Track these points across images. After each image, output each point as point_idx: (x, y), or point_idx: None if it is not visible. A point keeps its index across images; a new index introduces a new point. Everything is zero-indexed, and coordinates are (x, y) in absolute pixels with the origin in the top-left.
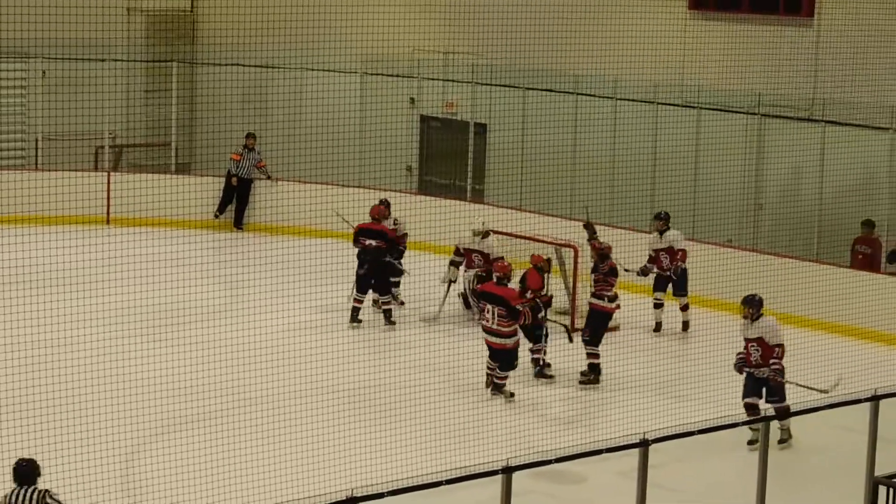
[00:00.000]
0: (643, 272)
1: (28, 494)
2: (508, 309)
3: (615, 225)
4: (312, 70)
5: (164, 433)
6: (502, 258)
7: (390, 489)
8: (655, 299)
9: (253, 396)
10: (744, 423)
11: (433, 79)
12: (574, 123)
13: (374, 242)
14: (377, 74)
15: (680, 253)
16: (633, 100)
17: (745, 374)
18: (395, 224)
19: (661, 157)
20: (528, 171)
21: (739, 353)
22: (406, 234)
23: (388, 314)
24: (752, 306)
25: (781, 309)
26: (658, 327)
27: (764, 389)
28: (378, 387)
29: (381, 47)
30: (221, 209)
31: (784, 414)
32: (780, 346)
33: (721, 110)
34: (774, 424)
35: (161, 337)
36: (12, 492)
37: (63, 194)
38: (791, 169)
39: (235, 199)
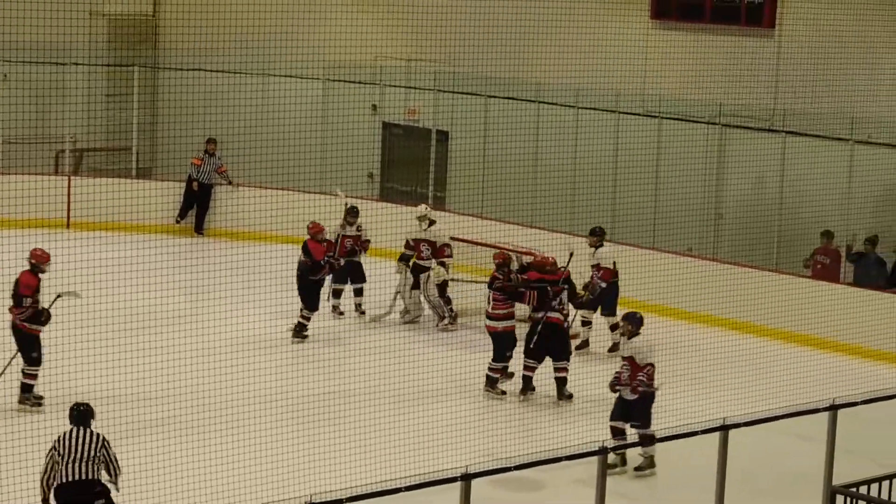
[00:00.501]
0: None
1: (85, 434)
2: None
3: (576, 233)
4: (275, 76)
5: (124, 439)
6: (449, 245)
7: (349, 496)
8: (583, 317)
9: (212, 403)
10: (702, 432)
11: (395, 86)
12: (536, 132)
13: (303, 258)
14: (340, 81)
15: (603, 271)
16: (594, 108)
17: (617, 395)
18: (358, 230)
19: (623, 167)
20: (490, 179)
21: (616, 371)
22: (368, 240)
23: (298, 327)
24: (632, 323)
25: (741, 318)
26: (584, 344)
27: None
28: (338, 393)
29: (344, 54)
30: (182, 214)
31: (648, 440)
32: (650, 365)
33: (682, 120)
34: (637, 450)
35: (121, 342)
36: (71, 430)
37: (23, 198)
38: (751, 179)
39: (196, 205)
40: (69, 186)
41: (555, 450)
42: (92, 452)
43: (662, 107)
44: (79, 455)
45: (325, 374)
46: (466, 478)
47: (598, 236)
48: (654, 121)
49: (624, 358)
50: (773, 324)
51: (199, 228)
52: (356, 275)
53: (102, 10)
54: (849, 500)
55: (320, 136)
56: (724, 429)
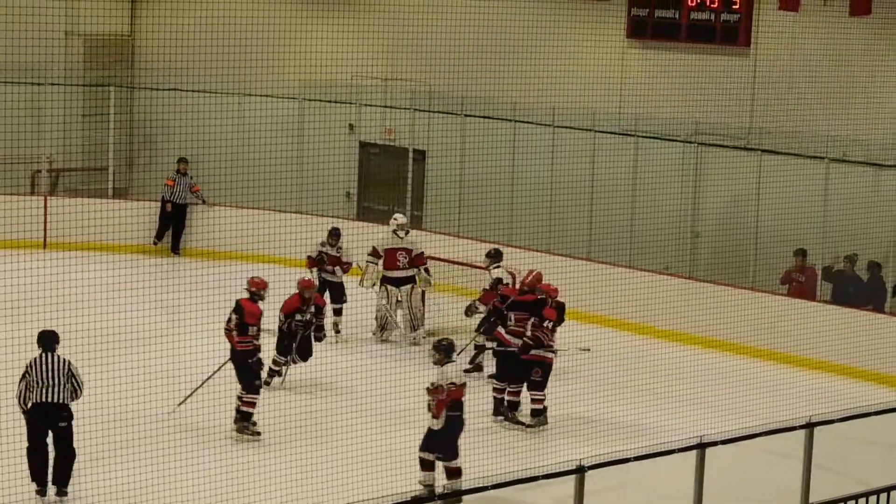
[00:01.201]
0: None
1: (53, 360)
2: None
3: (553, 252)
4: (252, 95)
5: (101, 458)
6: (423, 253)
7: None
8: (475, 341)
9: (185, 423)
10: (680, 450)
11: (372, 105)
12: (512, 151)
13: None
14: (316, 100)
15: (484, 294)
16: (571, 127)
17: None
18: (338, 252)
19: (599, 185)
20: (467, 198)
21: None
22: (350, 262)
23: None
24: (439, 351)
25: (718, 336)
26: (476, 368)
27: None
28: (312, 413)
29: (321, 73)
30: (160, 236)
31: (453, 474)
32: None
33: (658, 139)
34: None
35: (98, 362)
36: (41, 356)
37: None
38: (728, 197)
39: (172, 225)
40: (46, 207)
41: (532, 468)
42: (61, 379)
43: (638, 125)
44: (51, 381)
45: (302, 395)
46: (444, 497)
47: (491, 258)
48: (630, 139)
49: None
50: (749, 342)
51: (175, 249)
52: (336, 295)
53: (78, 30)
54: None
55: (297, 156)
56: (701, 447)
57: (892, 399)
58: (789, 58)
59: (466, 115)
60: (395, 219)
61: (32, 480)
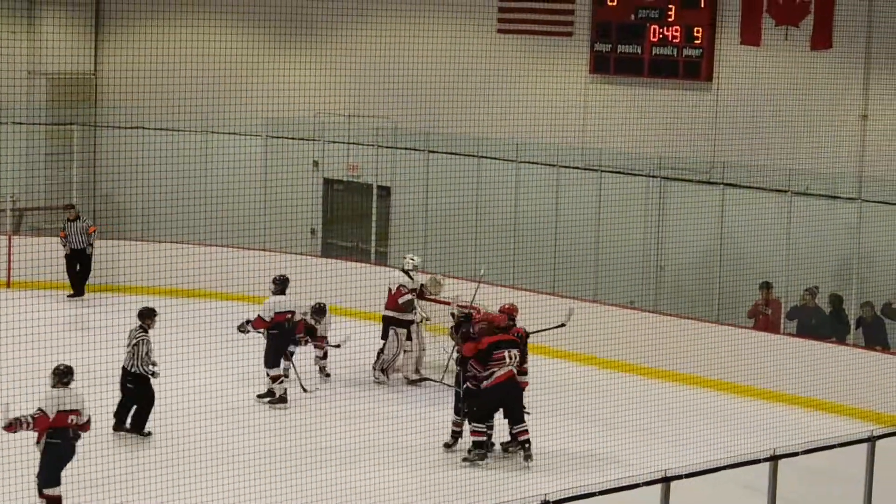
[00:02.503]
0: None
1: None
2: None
3: (517, 287)
4: (216, 133)
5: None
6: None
7: None
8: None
9: (160, 458)
10: (644, 484)
11: (337, 141)
12: (477, 186)
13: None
14: (281, 137)
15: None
16: (535, 162)
17: None
18: (324, 329)
19: (564, 219)
20: (432, 233)
21: None
22: (338, 345)
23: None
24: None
25: (683, 370)
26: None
27: None
28: (298, 449)
29: (286, 110)
30: (75, 288)
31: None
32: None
33: (622, 173)
34: None
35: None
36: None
37: None
38: (692, 231)
39: (79, 271)
40: (10, 246)
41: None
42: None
43: (602, 160)
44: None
45: (289, 428)
46: None
47: (277, 283)
48: (594, 174)
49: None
50: (714, 375)
51: (80, 292)
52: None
53: (41, 69)
54: None
55: (262, 193)
56: (666, 480)
57: (856, 430)
58: (751, 91)
59: (431, 151)
60: (411, 259)
61: None
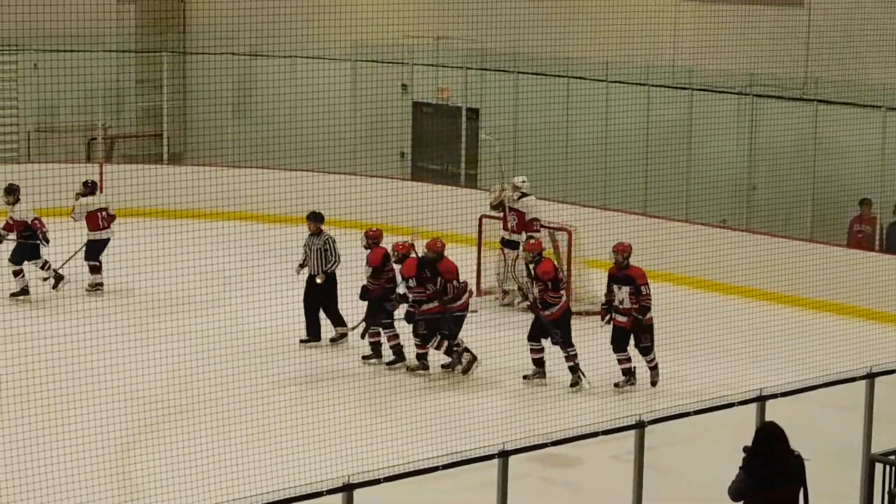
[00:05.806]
0: None
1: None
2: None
3: (607, 207)
4: (303, 58)
5: (154, 428)
6: (538, 219)
7: (386, 475)
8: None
9: (245, 386)
10: (739, 403)
11: (425, 64)
12: (566, 107)
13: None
14: (369, 61)
15: None
16: (624, 82)
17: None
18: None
19: (654, 139)
20: (521, 155)
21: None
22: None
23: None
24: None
25: (775, 289)
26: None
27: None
28: (367, 374)
29: (373, 33)
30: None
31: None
32: None
33: (713, 91)
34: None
35: (151, 328)
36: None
37: (56, 185)
38: (784, 149)
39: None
40: (101, 174)
41: (591, 424)
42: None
43: (693, 79)
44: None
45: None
46: (504, 454)
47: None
48: (685, 93)
49: None
50: (808, 293)
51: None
52: None
53: None
54: (888, 468)
55: (351, 117)
56: (761, 399)
57: None
58: (843, 6)
59: (519, 73)
60: (523, 179)
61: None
